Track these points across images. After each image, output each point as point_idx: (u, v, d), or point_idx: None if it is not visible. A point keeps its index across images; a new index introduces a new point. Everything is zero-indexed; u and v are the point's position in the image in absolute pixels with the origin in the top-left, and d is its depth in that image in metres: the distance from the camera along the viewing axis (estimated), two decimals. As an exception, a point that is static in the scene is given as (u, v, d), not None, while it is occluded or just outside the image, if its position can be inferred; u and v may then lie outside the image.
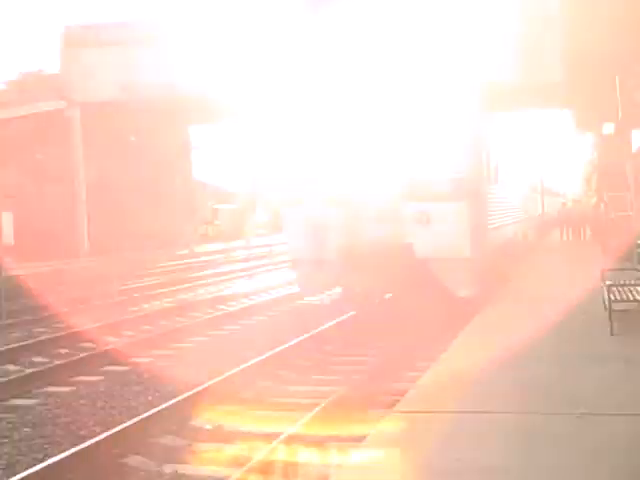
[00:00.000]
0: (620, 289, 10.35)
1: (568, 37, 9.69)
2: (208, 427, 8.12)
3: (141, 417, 8.00)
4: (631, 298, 9.91)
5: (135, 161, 33.00)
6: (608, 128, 18.71)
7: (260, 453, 6.81)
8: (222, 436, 7.80)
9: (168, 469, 6.90)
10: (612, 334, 9.40)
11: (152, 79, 28.54)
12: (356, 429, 7.13)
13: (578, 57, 10.25)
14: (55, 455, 6.90)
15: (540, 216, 30.45)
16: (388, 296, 14.21)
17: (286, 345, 11.51)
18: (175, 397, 8.78)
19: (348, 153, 13.41)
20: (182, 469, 6.87)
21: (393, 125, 13.10)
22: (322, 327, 13.15)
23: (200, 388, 9.05)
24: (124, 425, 7.66)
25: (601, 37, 8.54)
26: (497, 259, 15.57)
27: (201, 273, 23.59)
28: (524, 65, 26.00)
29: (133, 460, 7.07)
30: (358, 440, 6.22)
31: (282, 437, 7.22)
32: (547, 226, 32.67)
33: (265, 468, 6.55)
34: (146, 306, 18.21)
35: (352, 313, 14.01)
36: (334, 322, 13.66)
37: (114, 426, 7.67)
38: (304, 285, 14.75)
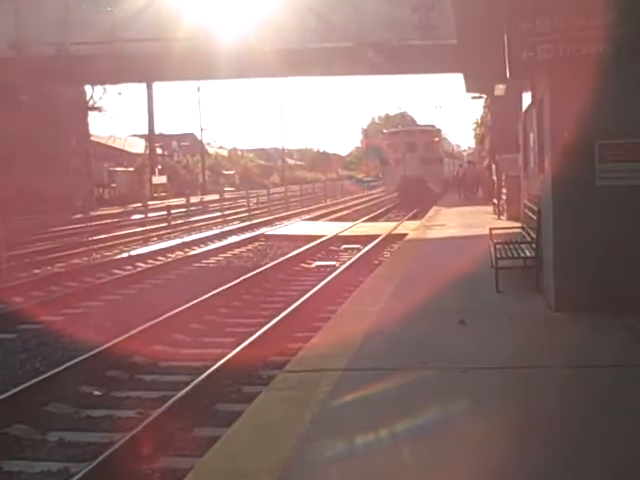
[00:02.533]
0: (506, 247, 10.68)
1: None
2: (97, 393, 7.98)
3: (25, 385, 7.76)
4: (516, 255, 10.24)
5: (27, 122, 31.73)
6: (499, 89, 19.10)
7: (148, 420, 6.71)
8: (110, 402, 7.68)
9: (53, 437, 6.74)
10: (498, 291, 9.70)
11: (43, 37, 27.42)
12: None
13: (468, 16, 10.34)
14: None
15: (452, 173, 45.51)
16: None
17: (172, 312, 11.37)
18: (63, 364, 8.56)
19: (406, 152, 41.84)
20: (67, 436, 6.72)
21: (420, 146, 41.95)
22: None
23: (90, 354, 8.84)
24: (5, 395, 7.41)
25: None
26: (445, 187, 41.88)
27: (95, 237, 23.00)
28: (421, 27, 26.40)
29: (16, 429, 6.85)
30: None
31: (173, 400, 7.15)
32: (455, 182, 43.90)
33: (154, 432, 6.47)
34: (37, 271, 17.65)
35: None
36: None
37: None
38: (388, 191, 45.95)
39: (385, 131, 44.91)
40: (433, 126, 44.88)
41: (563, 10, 8.08)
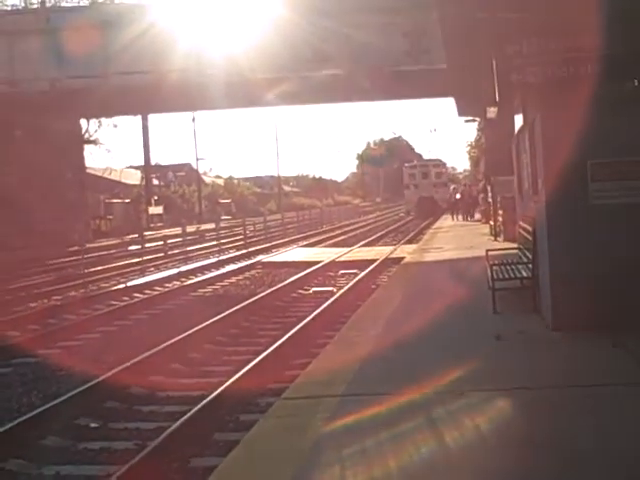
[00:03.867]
0: (503, 268, 10.67)
1: (445, 20, 9.81)
2: (93, 425, 7.91)
3: (23, 418, 7.70)
4: (513, 276, 10.22)
5: (21, 156, 31.84)
6: (491, 112, 19.18)
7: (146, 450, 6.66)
8: (107, 434, 7.61)
9: (49, 471, 6.66)
10: (495, 312, 9.68)
11: (37, 72, 27.59)
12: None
13: (456, 40, 10.40)
14: None
15: (450, 194, 51.87)
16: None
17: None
18: (59, 397, 8.49)
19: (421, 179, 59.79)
20: (64, 470, 6.65)
21: (432, 174, 60.06)
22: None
23: (88, 385, 8.78)
24: (3, 428, 7.35)
25: (475, 18, 8.68)
26: (450, 205, 44.82)
27: (92, 269, 22.98)
28: (412, 53, 26.63)
29: (13, 464, 6.78)
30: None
31: (170, 430, 7.10)
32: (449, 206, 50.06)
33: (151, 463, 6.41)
34: (34, 305, 17.58)
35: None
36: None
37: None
38: (408, 208, 61.04)
39: (407, 164, 64.25)
40: (441, 160, 65.57)
41: (550, 32, 8.15)
